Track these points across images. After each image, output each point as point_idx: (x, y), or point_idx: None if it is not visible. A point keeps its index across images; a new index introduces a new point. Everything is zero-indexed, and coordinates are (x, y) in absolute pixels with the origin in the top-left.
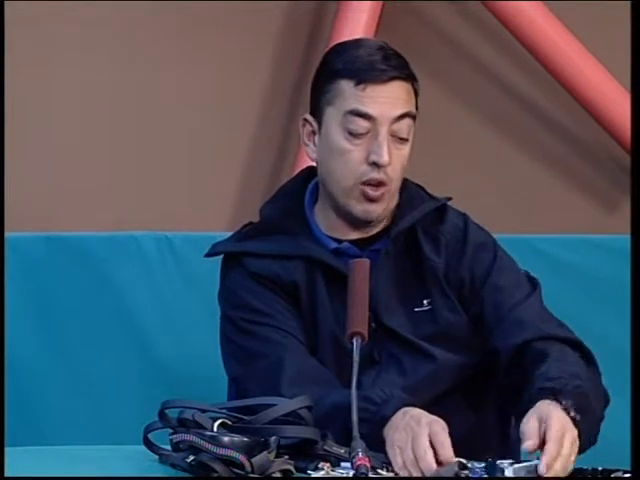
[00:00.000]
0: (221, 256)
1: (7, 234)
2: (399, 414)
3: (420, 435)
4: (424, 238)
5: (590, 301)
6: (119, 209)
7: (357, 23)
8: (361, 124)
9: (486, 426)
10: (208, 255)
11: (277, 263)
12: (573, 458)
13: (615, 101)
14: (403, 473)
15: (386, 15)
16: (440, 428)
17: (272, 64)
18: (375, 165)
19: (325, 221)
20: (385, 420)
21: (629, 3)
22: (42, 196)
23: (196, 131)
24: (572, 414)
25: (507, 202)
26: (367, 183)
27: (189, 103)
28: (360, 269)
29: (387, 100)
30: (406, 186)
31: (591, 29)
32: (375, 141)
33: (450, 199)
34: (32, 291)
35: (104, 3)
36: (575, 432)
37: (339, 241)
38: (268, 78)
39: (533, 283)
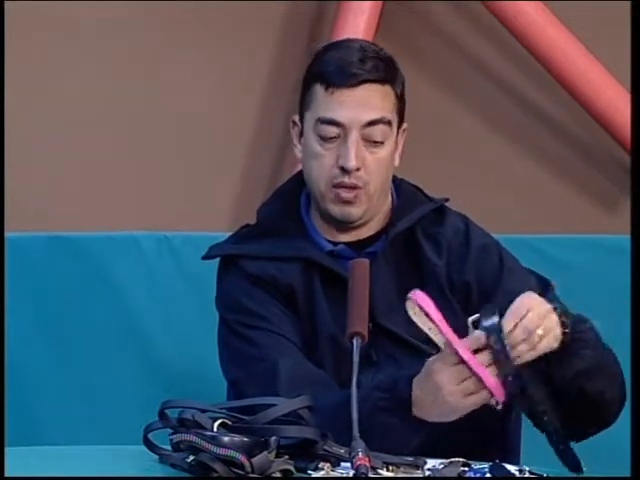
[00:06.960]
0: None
1: (7, 234)
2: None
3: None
4: (424, 240)
5: (590, 301)
6: (119, 209)
7: (357, 23)
8: (331, 130)
9: (486, 427)
10: (205, 258)
11: (273, 265)
12: (540, 332)
13: (615, 101)
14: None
15: (386, 15)
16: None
17: (272, 64)
18: (343, 169)
19: (318, 222)
20: (405, 401)
21: (629, 3)
22: (42, 196)
23: (196, 131)
24: (560, 316)
25: (507, 202)
26: (339, 186)
27: (189, 103)
28: (360, 269)
29: (356, 105)
30: (403, 188)
31: (591, 29)
32: (344, 145)
33: (447, 200)
34: (32, 291)
35: (104, 3)
36: (551, 315)
37: (334, 243)
38: (268, 78)
39: (544, 283)
